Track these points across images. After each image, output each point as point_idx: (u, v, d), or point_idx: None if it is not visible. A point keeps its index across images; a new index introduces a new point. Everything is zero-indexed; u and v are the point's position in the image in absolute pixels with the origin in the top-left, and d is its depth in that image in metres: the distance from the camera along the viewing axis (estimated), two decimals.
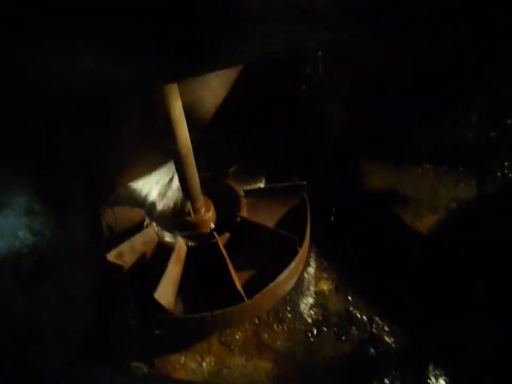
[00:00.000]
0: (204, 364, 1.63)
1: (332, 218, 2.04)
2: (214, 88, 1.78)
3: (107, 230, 1.77)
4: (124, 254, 1.61)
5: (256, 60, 1.50)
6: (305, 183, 1.83)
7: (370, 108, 2.10)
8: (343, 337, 1.65)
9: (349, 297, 1.77)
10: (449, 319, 1.64)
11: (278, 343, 1.67)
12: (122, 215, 1.81)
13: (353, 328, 1.67)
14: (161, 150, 1.64)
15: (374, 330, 1.66)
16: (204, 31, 0.69)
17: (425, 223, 2.00)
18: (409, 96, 2.00)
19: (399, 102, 2.03)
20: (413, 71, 1.89)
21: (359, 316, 1.71)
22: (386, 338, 1.63)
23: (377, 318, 1.69)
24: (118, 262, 1.58)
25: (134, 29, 0.69)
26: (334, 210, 2.07)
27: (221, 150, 2.06)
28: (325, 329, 1.69)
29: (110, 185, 1.88)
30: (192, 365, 1.63)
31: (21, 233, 1.51)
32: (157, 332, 1.63)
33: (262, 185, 2.00)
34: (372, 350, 1.60)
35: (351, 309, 1.73)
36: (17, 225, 1.50)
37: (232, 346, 1.67)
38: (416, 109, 2.04)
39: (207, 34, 0.70)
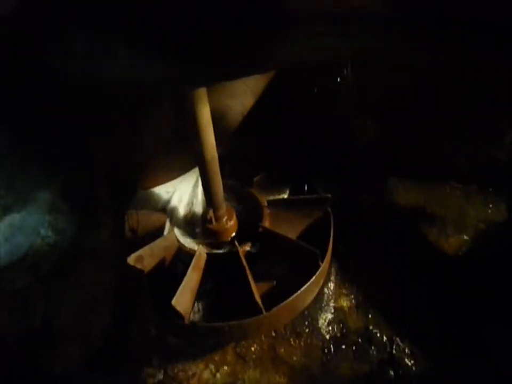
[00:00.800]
0: (218, 375, 1.60)
1: (355, 234, 1.99)
2: (242, 96, 1.77)
3: (130, 232, 1.77)
4: (144, 258, 1.60)
5: (289, 66, 1.48)
6: (329, 196, 1.80)
7: (400, 122, 2.06)
8: (362, 357, 1.60)
9: (369, 316, 1.72)
10: (472, 343, 1.59)
11: (294, 358, 1.63)
12: (145, 218, 1.80)
13: (373, 347, 1.63)
14: (187, 155, 1.63)
15: (394, 351, 1.61)
16: (240, 34, 0.68)
17: (452, 243, 1.95)
18: (442, 112, 1.96)
19: (431, 118, 1.99)
20: (447, 85, 1.84)
21: (379, 336, 1.66)
22: (407, 361, 1.58)
23: (397, 339, 1.64)
24: (138, 265, 1.57)
25: (169, 31, 0.68)
26: (357, 225, 2.03)
27: (246, 159, 2.05)
28: (343, 347, 1.64)
29: (135, 187, 1.88)
30: (206, 375, 1.60)
31: (42, 231, 1.52)
32: (172, 338, 1.62)
33: (285, 196, 1.97)
34: (391, 372, 1.55)
35: (371, 327, 1.69)
36: (40, 222, 1.51)
37: (247, 359, 1.64)
38: (448, 125, 1.99)
39: (243, 37, 0.69)
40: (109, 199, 1.74)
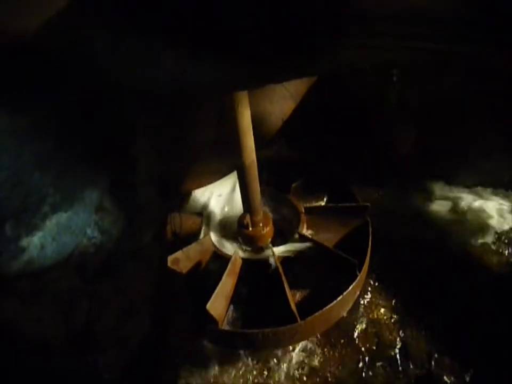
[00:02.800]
0: (250, 382, 1.58)
1: (394, 243, 1.95)
2: (282, 102, 1.76)
3: (171, 235, 1.78)
4: (180, 261, 1.60)
5: (341, 70, 1.45)
6: (368, 204, 1.76)
7: (441, 130, 2.01)
8: (398, 372, 1.56)
9: (407, 329, 1.67)
10: None
11: (328, 369, 1.60)
12: (185, 221, 1.81)
13: (410, 362, 1.58)
14: (228, 160, 1.63)
15: (432, 367, 1.55)
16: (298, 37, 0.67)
17: (495, 259, 1.88)
18: (485, 121, 1.90)
19: (472, 126, 1.93)
20: (491, 94, 1.78)
21: (416, 350, 1.61)
22: (446, 378, 1.52)
23: (436, 355, 1.58)
24: (174, 268, 1.58)
25: (218, 34, 0.67)
26: (396, 234, 1.99)
27: (285, 165, 2.04)
28: (379, 360, 1.60)
29: (178, 190, 1.89)
30: (238, 382, 1.59)
31: (89, 231, 1.53)
32: (208, 343, 1.62)
33: (323, 203, 1.95)
34: None
35: (408, 341, 1.64)
36: (86, 222, 1.52)
37: (279, 367, 1.61)
38: (490, 134, 1.93)
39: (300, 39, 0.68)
40: (153, 201, 1.75)
